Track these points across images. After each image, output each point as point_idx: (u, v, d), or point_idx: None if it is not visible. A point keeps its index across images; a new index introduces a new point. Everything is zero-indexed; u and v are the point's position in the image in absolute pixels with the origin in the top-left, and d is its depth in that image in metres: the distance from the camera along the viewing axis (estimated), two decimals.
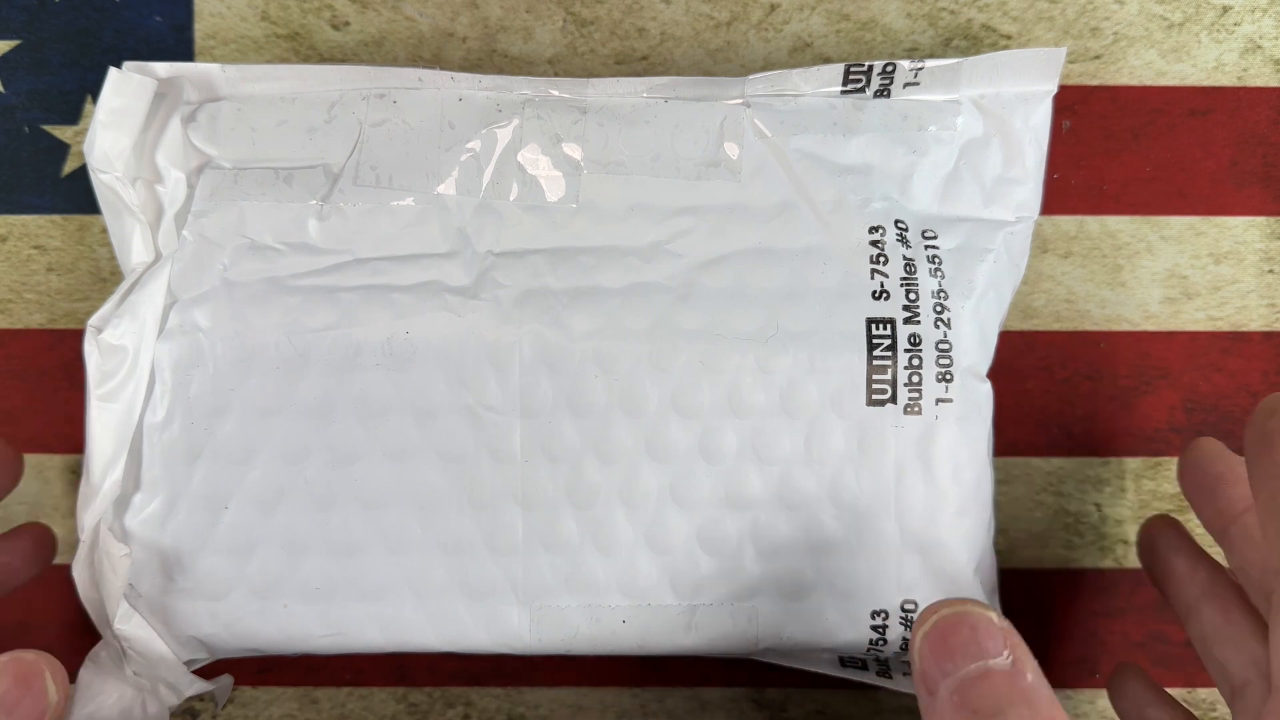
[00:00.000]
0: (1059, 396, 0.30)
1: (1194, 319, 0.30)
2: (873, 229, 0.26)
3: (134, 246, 0.27)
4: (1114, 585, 0.31)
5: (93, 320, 0.26)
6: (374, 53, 0.30)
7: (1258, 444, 0.22)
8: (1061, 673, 0.27)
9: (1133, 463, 0.30)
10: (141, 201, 0.27)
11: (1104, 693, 0.30)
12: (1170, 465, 0.30)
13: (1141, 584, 0.31)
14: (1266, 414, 0.23)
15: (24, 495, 0.30)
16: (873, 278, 0.26)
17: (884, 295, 0.26)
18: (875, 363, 0.25)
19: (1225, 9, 0.30)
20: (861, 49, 0.30)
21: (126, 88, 0.26)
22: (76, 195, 0.30)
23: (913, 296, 0.26)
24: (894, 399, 0.25)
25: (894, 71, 0.26)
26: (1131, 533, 0.31)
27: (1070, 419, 0.30)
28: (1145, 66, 0.30)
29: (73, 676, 0.25)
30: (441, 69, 0.30)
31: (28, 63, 0.30)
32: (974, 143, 0.27)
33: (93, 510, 0.25)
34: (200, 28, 0.30)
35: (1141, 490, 0.30)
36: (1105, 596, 0.31)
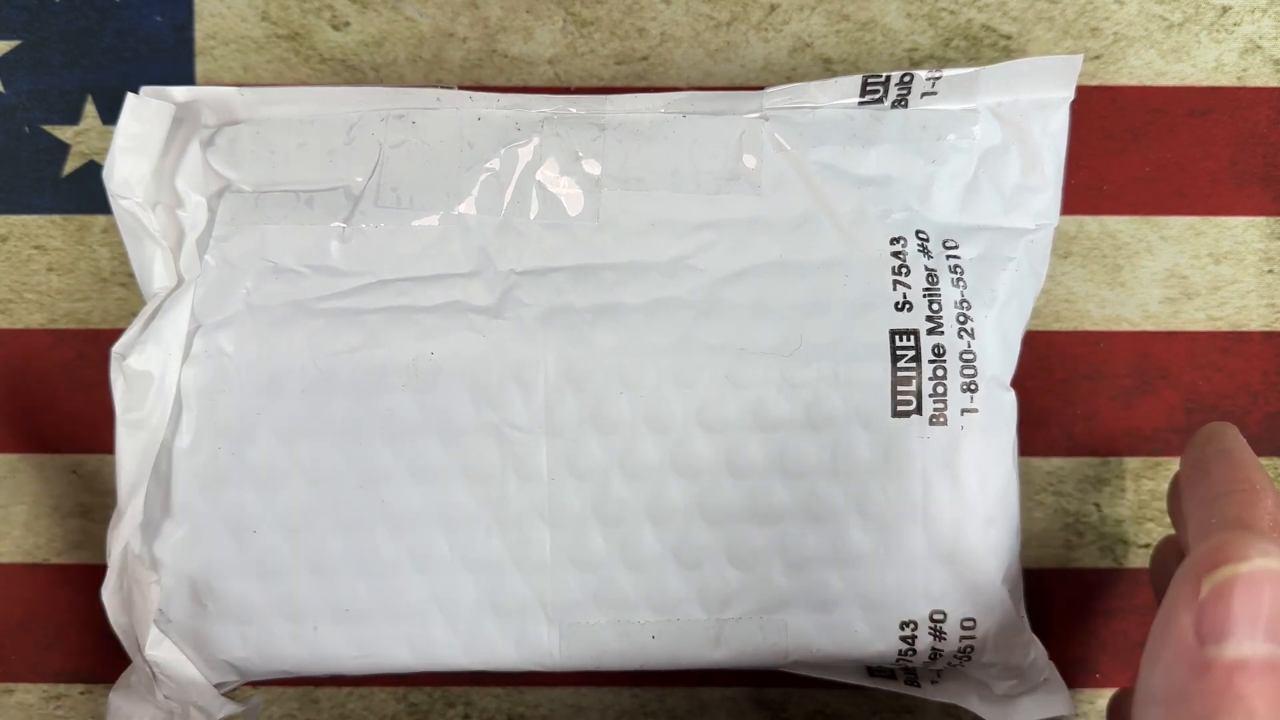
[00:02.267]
0: (1059, 396, 0.30)
1: (1194, 319, 0.30)
2: (894, 240, 0.26)
3: (155, 272, 0.26)
4: (1114, 585, 0.31)
5: (116, 347, 0.26)
6: (374, 53, 0.30)
7: (1193, 471, 0.22)
8: (1061, 673, 0.27)
9: (1132, 463, 0.30)
10: (162, 226, 0.26)
11: (1104, 693, 0.31)
12: (1170, 465, 0.30)
13: (1141, 584, 0.31)
14: (1204, 441, 0.22)
15: (24, 495, 0.30)
16: (895, 289, 0.26)
17: (907, 306, 0.26)
18: (900, 374, 0.25)
19: (1225, 9, 0.30)
20: (861, 49, 0.30)
21: (145, 112, 0.26)
22: (76, 195, 0.30)
23: (935, 307, 0.26)
24: (919, 410, 0.25)
25: (911, 82, 0.26)
26: (1131, 533, 0.31)
27: (1070, 419, 0.30)
28: (1145, 66, 0.30)
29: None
30: (443, 70, 0.30)
31: (28, 63, 0.30)
32: (993, 151, 0.27)
33: (120, 536, 0.25)
34: (201, 28, 0.30)
35: (1141, 490, 0.31)
36: (1105, 596, 0.31)
